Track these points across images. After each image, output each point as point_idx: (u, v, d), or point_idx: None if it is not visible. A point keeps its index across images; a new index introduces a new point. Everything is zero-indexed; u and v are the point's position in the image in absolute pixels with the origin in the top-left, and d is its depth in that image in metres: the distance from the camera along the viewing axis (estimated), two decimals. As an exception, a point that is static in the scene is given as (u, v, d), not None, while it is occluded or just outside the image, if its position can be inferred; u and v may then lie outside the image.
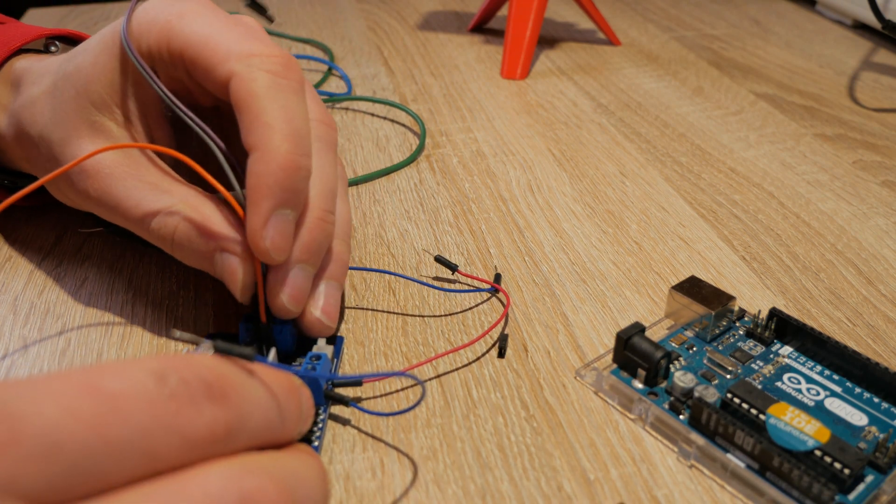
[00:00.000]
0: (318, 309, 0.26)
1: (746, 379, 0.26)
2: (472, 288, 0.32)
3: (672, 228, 0.36)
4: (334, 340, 0.28)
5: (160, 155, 0.28)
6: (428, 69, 0.57)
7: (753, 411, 0.23)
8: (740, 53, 0.61)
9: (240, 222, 0.26)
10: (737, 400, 0.24)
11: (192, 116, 0.26)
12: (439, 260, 0.32)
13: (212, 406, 0.17)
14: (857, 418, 0.24)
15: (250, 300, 0.26)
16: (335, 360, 0.27)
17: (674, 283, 0.29)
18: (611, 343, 0.28)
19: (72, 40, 0.35)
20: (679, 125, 0.48)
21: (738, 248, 0.35)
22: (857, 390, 0.26)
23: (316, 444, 0.24)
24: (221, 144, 0.25)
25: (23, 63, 0.32)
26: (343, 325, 0.29)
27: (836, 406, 0.25)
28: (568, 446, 0.24)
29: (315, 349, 0.26)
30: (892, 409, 0.25)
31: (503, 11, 0.69)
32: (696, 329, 0.28)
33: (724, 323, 0.28)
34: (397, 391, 0.26)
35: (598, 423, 0.25)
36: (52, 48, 0.34)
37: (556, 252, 0.34)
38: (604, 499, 0.23)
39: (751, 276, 0.33)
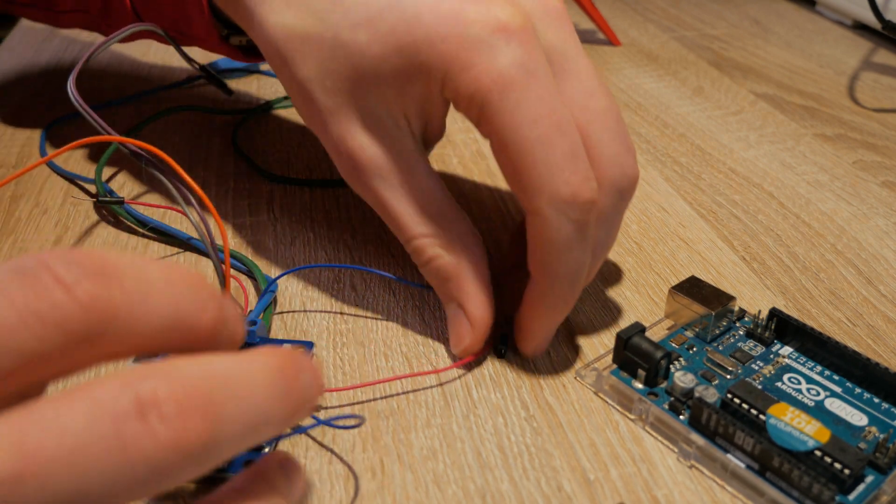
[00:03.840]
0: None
1: (746, 379, 0.26)
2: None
3: (672, 228, 0.36)
4: (304, 347, 0.27)
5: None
6: (428, 69, 0.57)
7: (753, 411, 0.23)
8: (740, 53, 0.61)
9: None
10: (737, 400, 0.24)
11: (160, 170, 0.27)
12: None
13: (86, 281, 0.14)
14: (857, 418, 0.24)
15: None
16: None
17: (674, 284, 0.29)
18: (611, 343, 0.28)
19: None
20: (679, 125, 0.48)
21: (738, 249, 0.35)
22: (857, 390, 0.26)
23: (266, 449, 0.23)
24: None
25: None
26: (343, 325, 0.29)
27: (836, 406, 0.25)
28: (568, 446, 0.24)
29: None
30: (892, 409, 0.25)
31: (503, 11, 0.69)
32: (696, 329, 0.28)
33: (724, 323, 0.28)
34: (368, 401, 0.26)
35: (598, 424, 0.25)
36: None
37: (556, 252, 0.34)
38: (604, 499, 0.23)
39: (751, 276, 0.33)
